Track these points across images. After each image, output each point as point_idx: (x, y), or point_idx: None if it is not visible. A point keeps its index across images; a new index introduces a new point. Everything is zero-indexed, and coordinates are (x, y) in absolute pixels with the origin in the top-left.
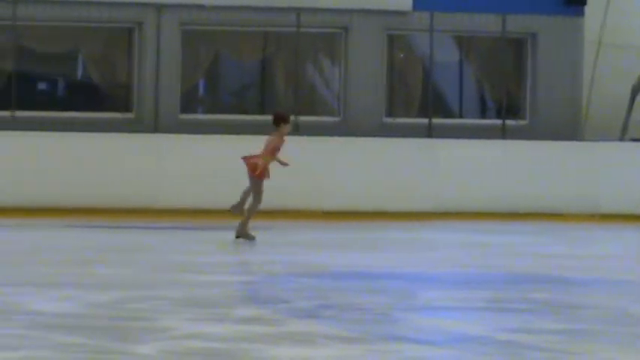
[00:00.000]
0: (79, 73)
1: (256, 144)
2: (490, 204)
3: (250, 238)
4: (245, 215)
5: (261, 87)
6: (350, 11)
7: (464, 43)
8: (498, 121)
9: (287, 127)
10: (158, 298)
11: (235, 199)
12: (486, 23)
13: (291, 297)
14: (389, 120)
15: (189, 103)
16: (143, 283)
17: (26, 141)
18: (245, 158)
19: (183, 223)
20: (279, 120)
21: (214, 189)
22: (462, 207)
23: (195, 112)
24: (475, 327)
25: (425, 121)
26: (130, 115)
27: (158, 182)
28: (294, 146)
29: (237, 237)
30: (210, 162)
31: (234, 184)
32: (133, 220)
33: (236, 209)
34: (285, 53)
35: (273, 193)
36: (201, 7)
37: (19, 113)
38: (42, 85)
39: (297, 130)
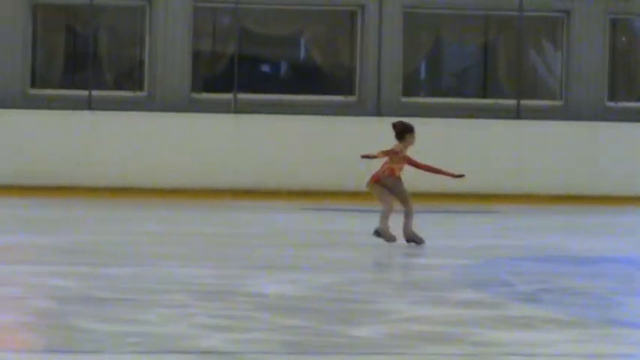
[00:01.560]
0: (302, 55)
1: (477, 126)
2: None
3: (420, 241)
4: (407, 219)
5: (482, 70)
6: None
7: None
8: None
9: (412, 138)
10: (380, 280)
11: (458, 183)
12: None
13: (513, 281)
14: (611, 104)
15: (410, 87)
16: (366, 265)
17: (247, 123)
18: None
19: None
20: (403, 132)
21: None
22: None
23: (416, 95)
24: None
25: None
26: (352, 98)
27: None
28: (516, 130)
29: (408, 241)
30: (430, 145)
31: (454, 167)
32: (357, 204)
33: (388, 237)
34: (506, 37)
35: (499, 177)
36: None
37: (242, 96)
38: (264, 68)
39: (519, 115)
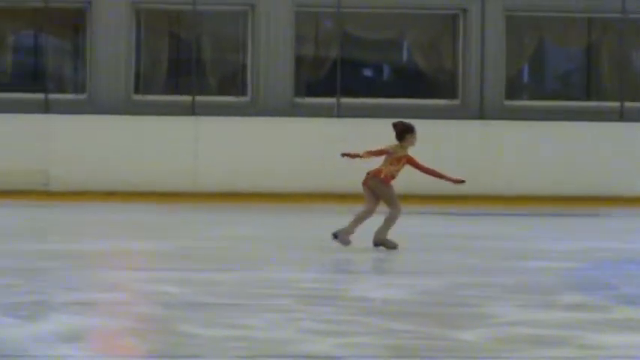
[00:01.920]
0: (404, 59)
1: (580, 129)
2: None
3: (391, 245)
4: (385, 224)
5: (586, 73)
6: None
7: None
8: None
9: (413, 138)
10: (487, 284)
11: (574, 187)
12: None
13: (619, 283)
14: None
15: (513, 90)
16: (470, 269)
17: (350, 127)
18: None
19: (512, 209)
20: (403, 132)
21: (543, 176)
22: None
23: (519, 98)
24: None
25: None
26: (455, 102)
27: (487, 168)
28: (619, 132)
29: (376, 245)
30: (534, 148)
31: (561, 171)
32: (459, 207)
33: (343, 239)
34: (610, 39)
35: (604, 179)
36: None
37: (345, 100)
38: (367, 72)
39: (622, 117)
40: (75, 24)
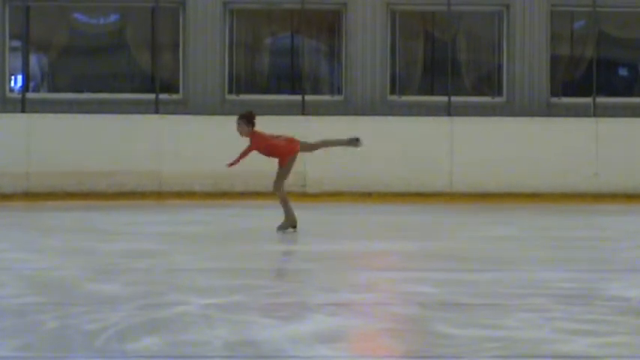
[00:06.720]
0: None
1: None
2: None
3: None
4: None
5: None
6: None
7: None
8: None
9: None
10: None
11: None
12: None
13: None
14: None
15: None
16: None
17: (606, 127)
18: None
19: None
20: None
21: None
22: None
23: None
24: None
25: None
26: None
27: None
28: None
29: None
30: None
31: None
32: None
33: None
34: None
35: None
36: None
37: (600, 100)
38: (622, 71)
39: None
40: (331, 25)
